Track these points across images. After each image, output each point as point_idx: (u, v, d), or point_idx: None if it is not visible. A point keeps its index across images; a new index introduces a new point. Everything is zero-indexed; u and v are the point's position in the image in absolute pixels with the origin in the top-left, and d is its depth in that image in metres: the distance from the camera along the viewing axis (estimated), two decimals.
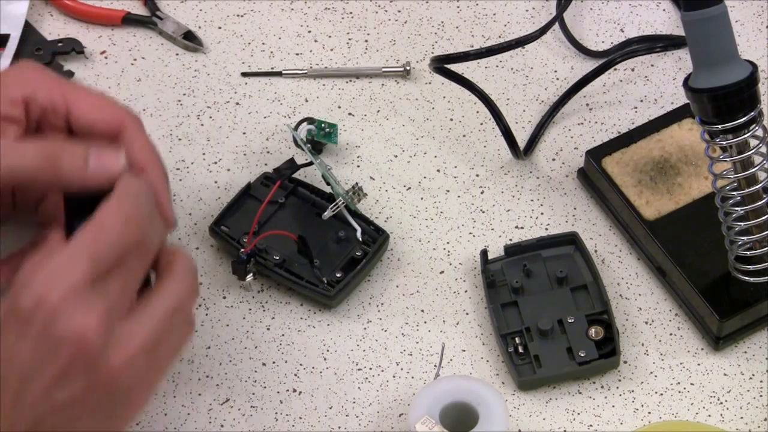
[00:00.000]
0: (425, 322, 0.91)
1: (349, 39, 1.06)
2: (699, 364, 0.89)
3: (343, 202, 0.92)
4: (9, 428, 0.71)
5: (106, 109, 0.81)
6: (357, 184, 0.93)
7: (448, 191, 0.97)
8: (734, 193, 0.86)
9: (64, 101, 0.82)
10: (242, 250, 0.90)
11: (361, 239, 0.92)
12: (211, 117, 1.01)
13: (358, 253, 0.92)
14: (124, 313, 0.73)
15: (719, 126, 0.82)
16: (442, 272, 0.94)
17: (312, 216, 0.94)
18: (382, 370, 0.89)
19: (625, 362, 0.89)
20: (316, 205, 0.94)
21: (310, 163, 0.94)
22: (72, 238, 0.72)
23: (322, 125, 0.96)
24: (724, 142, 0.83)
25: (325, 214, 0.92)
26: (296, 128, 0.96)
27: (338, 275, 0.91)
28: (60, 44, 1.04)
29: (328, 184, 0.93)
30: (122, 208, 0.74)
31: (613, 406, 0.87)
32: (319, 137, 0.96)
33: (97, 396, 0.73)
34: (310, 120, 0.97)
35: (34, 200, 0.85)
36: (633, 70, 1.04)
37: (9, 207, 0.85)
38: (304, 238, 0.91)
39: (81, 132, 0.81)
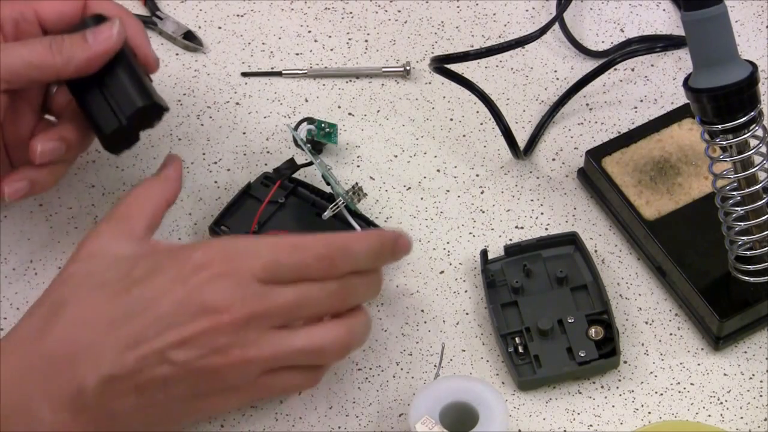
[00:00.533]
0: (425, 322, 0.91)
1: (349, 39, 1.06)
2: (699, 364, 0.89)
3: (343, 202, 0.92)
4: (111, 363, 0.74)
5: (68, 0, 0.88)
6: (357, 184, 0.93)
7: (448, 191, 0.97)
8: (734, 193, 0.86)
9: (30, 8, 0.88)
10: None
11: None
12: (211, 117, 1.01)
13: None
14: (274, 325, 0.76)
15: (719, 126, 0.82)
16: (442, 272, 0.94)
17: (312, 216, 0.94)
18: (382, 370, 0.89)
19: (625, 362, 0.89)
20: (316, 205, 0.94)
21: (310, 163, 0.94)
22: (276, 235, 0.79)
23: (322, 125, 0.96)
24: (724, 142, 0.83)
25: (325, 214, 0.92)
26: (296, 128, 0.96)
27: None
28: None
29: (328, 184, 0.93)
30: (329, 250, 0.78)
31: (613, 406, 0.87)
32: (319, 137, 0.96)
33: (197, 377, 0.75)
34: (310, 120, 0.97)
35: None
36: (633, 70, 1.04)
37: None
38: None
39: (55, 28, 0.88)
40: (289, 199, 0.94)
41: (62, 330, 0.75)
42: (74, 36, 0.85)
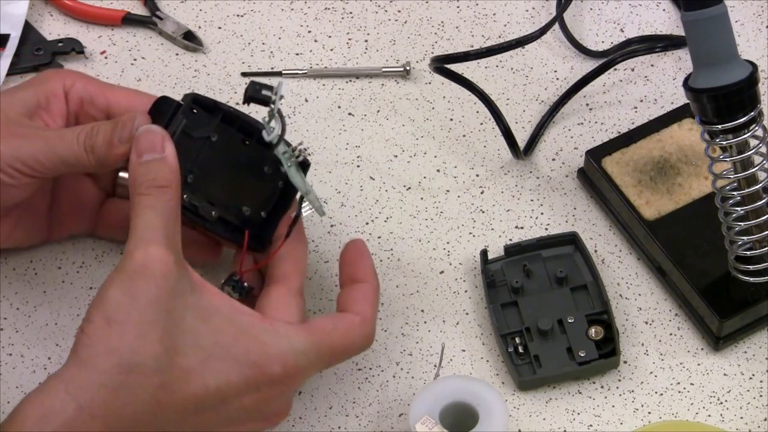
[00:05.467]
0: (425, 322, 0.91)
1: (349, 39, 1.06)
2: (699, 364, 0.89)
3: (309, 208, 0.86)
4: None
5: (142, 95, 0.87)
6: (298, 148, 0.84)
7: (448, 191, 0.97)
8: (734, 193, 0.86)
9: (102, 93, 0.87)
10: (238, 277, 0.85)
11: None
12: None
13: (279, 186, 0.86)
14: None
15: (719, 126, 0.82)
16: (442, 272, 0.93)
17: (247, 160, 0.85)
18: (382, 370, 0.89)
19: (625, 362, 0.89)
20: (249, 144, 0.85)
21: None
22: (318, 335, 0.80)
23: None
24: (724, 142, 0.83)
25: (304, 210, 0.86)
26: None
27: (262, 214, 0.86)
28: (60, 44, 1.04)
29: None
30: (349, 341, 0.81)
31: (613, 406, 0.87)
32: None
33: None
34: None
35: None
36: (633, 70, 1.04)
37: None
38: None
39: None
40: (219, 135, 0.84)
41: (135, 402, 0.75)
42: (106, 131, 0.82)
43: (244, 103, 0.82)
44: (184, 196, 0.82)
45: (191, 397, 0.76)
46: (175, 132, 0.82)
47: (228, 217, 0.85)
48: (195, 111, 0.83)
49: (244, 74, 1.03)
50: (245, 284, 0.85)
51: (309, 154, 0.84)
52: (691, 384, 0.88)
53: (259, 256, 0.86)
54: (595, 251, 0.94)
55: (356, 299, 0.83)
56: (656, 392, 0.88)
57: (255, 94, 0.81)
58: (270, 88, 0.81)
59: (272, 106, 0.81)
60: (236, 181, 0.85)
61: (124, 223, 0.89)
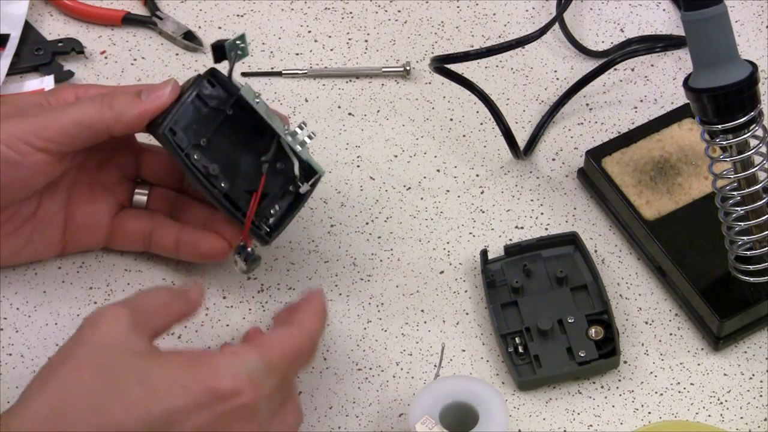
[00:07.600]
0: (425, 322, 0.91)
1: (349, 39, 1.06)
2: (699, 364, 0.89)
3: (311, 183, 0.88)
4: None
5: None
6: (301, 126, 0.87)
7: (448, 191, 0.97)
8: (734, 193, 0.86)
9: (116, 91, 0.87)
10: (243, 242, 0.87)
11: (297, 174, 0.87)
12: None
13: (291, 188, 0.88)
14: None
15: (719, 126, 0.83)
16: (442, 272, 0.94)
17: (253, 135, 0.87)
18: (382, 370, 0.89)
19: (625, 362, 0.89)
20: (258, 129, 0.87)
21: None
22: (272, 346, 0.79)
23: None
24: (724, 142, 0.83)
25: (302, 189, 0.88)
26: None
27: (272, 212, 0.88)
28: (60, 44, 1.04)
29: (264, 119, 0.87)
30: (305, 339, 0.80)
31: (613, 406, 0.87)
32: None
33: None
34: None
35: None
36: (633, 70, 1.04)
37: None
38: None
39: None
40: (234, 112, 0.86)
41: None
42: (126, 92, 0.84)
43: (215, 62, 0.85)
44: (195, 156, 0.84)
45: (133, 423, 0.73)
46: (191, 93, 0.85)
47: (236, 200, 0.86)
48: (214, 85, 0.87)
49: (244, 74, 1.03)
50: (250, 250, 0.87)
51: (314, 135, 0.87)
52: (691, 384, 0.88)
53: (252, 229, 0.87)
54: (595, 251, 0.94)
55: (292, 313, 0.83)
56: (656, 392, 0.88)
57: (219, 42, 0.85)
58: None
59: (232, 55, 0.85)
60: (249, 170, 0.87)
61: (138, 233, 0.90)
